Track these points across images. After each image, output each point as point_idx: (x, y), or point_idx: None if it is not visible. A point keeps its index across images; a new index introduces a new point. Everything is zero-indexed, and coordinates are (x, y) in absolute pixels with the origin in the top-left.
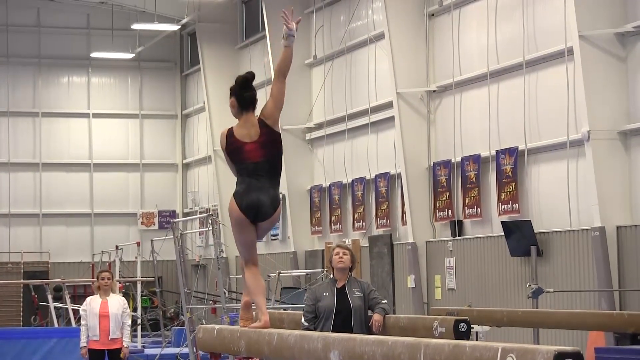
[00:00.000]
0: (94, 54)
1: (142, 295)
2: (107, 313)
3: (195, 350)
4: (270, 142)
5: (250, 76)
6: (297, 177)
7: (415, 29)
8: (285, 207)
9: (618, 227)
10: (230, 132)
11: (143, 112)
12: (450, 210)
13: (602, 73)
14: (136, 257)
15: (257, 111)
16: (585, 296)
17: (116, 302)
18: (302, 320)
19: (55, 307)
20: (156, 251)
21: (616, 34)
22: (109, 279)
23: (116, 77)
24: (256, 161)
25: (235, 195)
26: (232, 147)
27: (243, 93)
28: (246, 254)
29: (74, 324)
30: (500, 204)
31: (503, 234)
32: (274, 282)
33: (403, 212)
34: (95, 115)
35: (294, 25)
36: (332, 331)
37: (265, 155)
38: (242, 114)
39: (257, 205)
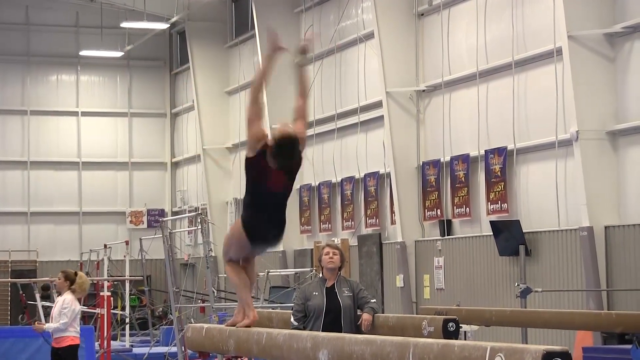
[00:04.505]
0: (83, 52)
1: (130, 294)
2: (52, 314)
3: (183, 349)
4: (295, 170)
5: (295, 139)
6: None
7: (404, 29)
8: None
9: (606, 227)
10: (264, 155)
11: (132, 111)
12: (439, 210)
13: (590, 73)
14: (125, 256)
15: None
16: (574, 296)
17: (59, 302)
18: (292, 319)
19: (43, 306)
20: (145, 250)
21: (605, 34)
22: (58, 278)
23: (105, 75)
24: (276, 192)
25: (245, 224)
26: (259, 167)
27: (284, 160)
28: (233, 256)
29: None
30: (489, 203)
31: (492, 233)
32: (262, 281)
33: (392, 212)
34: (84, 114)
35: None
36: (321, 330)
37: (286, 187)
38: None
39: (266, 240)
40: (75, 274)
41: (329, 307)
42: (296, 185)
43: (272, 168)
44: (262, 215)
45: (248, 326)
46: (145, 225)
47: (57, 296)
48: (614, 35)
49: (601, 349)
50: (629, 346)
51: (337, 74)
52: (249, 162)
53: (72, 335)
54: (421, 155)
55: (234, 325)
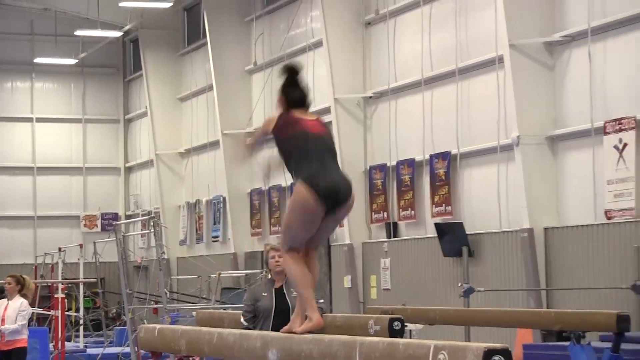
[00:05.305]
0: (37, 60)
1: (84, 296)
2: (4, 316)
3: (136, 349)
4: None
5: (296, 68)
6: (237, 181)
7: (352, 37)
8: (226, 209)
9: (545, 229)
10: (283, 114)
11: (86, 117)
12: (385, 213)
13: (531, 80)
14: (79, 259)
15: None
16: (515, 295)
17: (14, 306)
18: (242, 319)
19: None
20: (99, 253)
21: (544, 43)
22: (9, 283)
23: (60, 82)
24: (320, 134)
25: (309, 178)
26: (290, 121)
27: (296, 92)
28: (296, 240)
29: None
30: (433, 206)
31: (436, 235)
32: (214, 282)
33: None
34: (39, 120)
35: None
36: (271, 330)
37: (324, 130)
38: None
39: (337, 192)
40: (23, 277)
41: (278, 307)
42: (247, 189)
43: (298, 116)
44: (322, 161)
45: (310, 332)
46: (99, 229)
47: (7, 300)
48: (553, 44)
49: (540, 345)
50: (567, 343)
51: None
52: (280, 128)
53: (25, 337)
54: (368, 160)
55: (291, 332)
